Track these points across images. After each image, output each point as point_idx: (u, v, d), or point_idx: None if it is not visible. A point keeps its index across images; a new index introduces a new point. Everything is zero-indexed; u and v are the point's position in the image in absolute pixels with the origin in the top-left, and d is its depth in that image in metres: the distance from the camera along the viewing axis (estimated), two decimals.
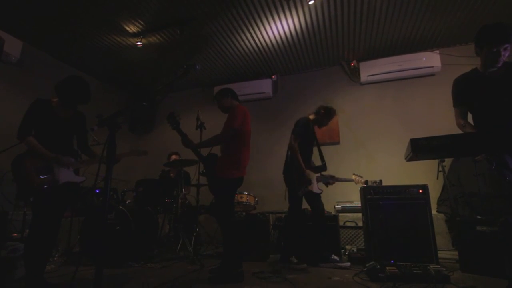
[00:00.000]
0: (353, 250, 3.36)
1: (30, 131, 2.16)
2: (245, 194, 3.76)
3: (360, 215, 3.46)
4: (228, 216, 2.54)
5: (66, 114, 2.32)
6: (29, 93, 3.95)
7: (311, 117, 3.23)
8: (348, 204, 4.00)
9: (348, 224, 3.75)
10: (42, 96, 2.29)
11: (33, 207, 2.13)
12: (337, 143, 4.70)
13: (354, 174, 3.33)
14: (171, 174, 4.53)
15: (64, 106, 2.29)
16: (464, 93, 2.03)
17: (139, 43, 4.00)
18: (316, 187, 3.09)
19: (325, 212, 3.26)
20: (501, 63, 1.85)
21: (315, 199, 3.10)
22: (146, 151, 2.69)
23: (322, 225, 3.10)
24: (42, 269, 2.14)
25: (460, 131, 1.98)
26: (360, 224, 3.58)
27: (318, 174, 3.16)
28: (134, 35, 3.95)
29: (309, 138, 3.15)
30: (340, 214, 3.65)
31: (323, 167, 3.18)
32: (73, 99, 2.28)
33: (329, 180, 3.19)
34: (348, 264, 2.90)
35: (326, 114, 3.18)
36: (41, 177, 2.12)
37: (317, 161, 3.24)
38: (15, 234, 3.15)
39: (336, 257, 2.97)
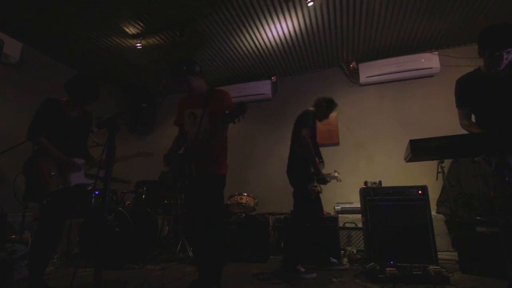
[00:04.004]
0: (352, 251, 3.35)
1: (42, 131, 2.13)
2: (244, 195, 3.76)
3: (359, 216, 3.46)
4: (223, 218, 2.37)
5: (76, 114, 2.32)
6: (29, 95, 3.96)
7: (312, 109, 3.03)
8: (347, 205, 4.00)
9: (347, 225, 3.75)
10: (44, 97, 2.27)
11: (42, 209, 2.10)
12: (337, 144, 4.70)
13: (335, 171, 3.19)
14: None
15: (74, 105, 2.29)
16: (467, 93, 2.01)
17: (138, 44, 4.00)
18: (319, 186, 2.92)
19: (325, 213, 3.24)
20: (503, 66, 1.83)
21: (318, 199, 2.96)
22: (152, 153, 2.70)
23: (321, 227, 3.04)
24: (43, 272, 2.14)
25: (461, 132, 1.97)
26: (360, 225, 3.58)
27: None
28: (134, 36, 3.95)
29: (315, 132, 2.92)
30: (339, 215, 3.65)
31: (322, 164, 2.98)
32: (84, 96, 2.28)
33: (328, 178, 2.92)
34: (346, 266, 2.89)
35: (328, 107, 3.01)
36: (55, 179, 2.11)
37: None
38: (14, 236, 3.14)
39: (334, 260, 2.96)
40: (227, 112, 1.89)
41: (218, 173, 2.14)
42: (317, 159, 2.77)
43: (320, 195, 2.97)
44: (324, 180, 2.78)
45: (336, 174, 3.15)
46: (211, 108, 2.12)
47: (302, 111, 2.99)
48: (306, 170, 2.76)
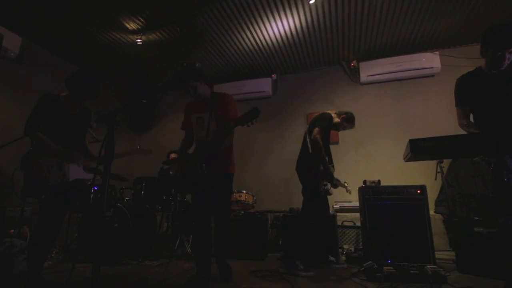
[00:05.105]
0: (350, 250, 3.37)
1: (39, 126, 2.11)
2: (243, 192, 3.76)
3: (358, 214, 3.47)
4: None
5: (75, 110, 2.30)
6: (28, 89, 3.95)
7: (334, 115, 3.03)
8: (346, 204, 4.01)
9: (346, 223, 3.76)
10: (43, 92, 2.25)
11: (41, 204, 2.10)
12: (336, 143, 4.69)
13: (346, 182, 3.20)
14: (170, 172, 4.52)
15: (74, 101, 2.27)
16: (468, 92, 1.99)
17: (138, 40, 3.98)
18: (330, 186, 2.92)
19: None
20: (505, 67, 1.81)
21: (325, 199, 2.98)
22: (151, 150, 2.69)
23: (324, 226, 3.06)
24: (41, 266, 2.14)
25: (461, 132, 1.96)
26: (358, 223, 3.59)
27: None
28: (134, 32, 3.93)
29: (328, 136, 2.92)
30: (338, 214, 3.66)
31: (332, 168, 2.99)
32: (85, 93, 2.25)
33: (337, 183, 2.96)
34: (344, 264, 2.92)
35: (347, 120, 3.03)
36: (53, 174, 2.10)
37: None
38: (12, 231, 3.14)
39: (332, 258, 2.97)
40: (241, 115, 2.05)
41: (230, 172, 2.38)
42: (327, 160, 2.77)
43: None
44: (332, 178, 2.79)
45: (346, 184, 3.15)
46: (217, 112, 2.29)
47: (322, 112, 2.98)
48: (316, 168, 2.76)
